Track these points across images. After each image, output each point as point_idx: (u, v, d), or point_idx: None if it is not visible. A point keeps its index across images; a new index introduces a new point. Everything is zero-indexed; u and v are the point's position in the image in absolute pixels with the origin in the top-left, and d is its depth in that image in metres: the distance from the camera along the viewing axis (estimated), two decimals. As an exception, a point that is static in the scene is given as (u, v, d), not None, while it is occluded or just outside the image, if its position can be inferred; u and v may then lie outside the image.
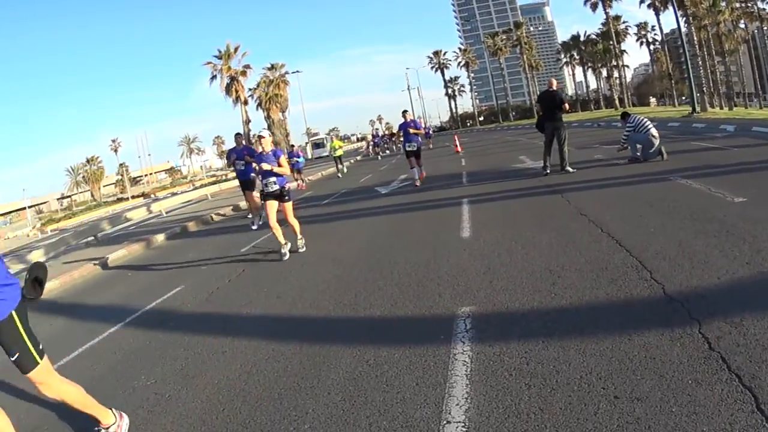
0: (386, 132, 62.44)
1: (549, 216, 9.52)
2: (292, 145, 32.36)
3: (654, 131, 14.56)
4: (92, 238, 22.14)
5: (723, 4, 75.52)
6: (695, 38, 64.98)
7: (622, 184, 11.92)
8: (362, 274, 7.30)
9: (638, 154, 14.83)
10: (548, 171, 14.81)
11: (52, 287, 12.64)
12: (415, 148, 18.10)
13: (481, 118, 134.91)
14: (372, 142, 53.54)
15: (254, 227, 14.78)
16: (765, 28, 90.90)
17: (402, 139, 19.95)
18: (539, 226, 8.71)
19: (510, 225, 9.28)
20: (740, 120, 28.80)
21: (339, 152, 34.39)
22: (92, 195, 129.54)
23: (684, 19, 57.10)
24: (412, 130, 18.09)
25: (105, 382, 5.63)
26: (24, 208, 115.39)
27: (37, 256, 19.01)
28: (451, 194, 14.12)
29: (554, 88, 15.08)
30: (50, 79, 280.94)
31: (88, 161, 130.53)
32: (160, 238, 16.64)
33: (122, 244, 16.52)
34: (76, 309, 10.21)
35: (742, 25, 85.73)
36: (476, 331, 4.79)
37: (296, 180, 28.17)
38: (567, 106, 15.15)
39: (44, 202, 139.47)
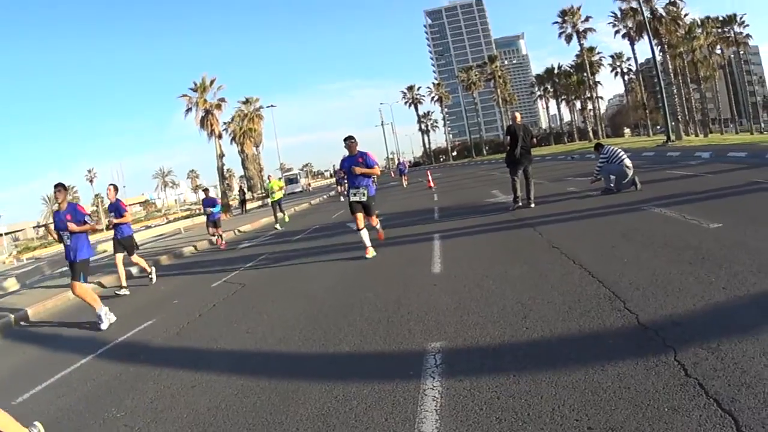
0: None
1: (521, 250, 9.49)
2: (206, 189, 24.67)
3: (627, 162, 14.70)
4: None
5: (699, 30, 76.71)
6: (670, 66, 66.04)
7: (596, 216, 12.00)
8: (332, 310, 7.21)
9: (612, 185, 14.95)
10: (521, 203, 14.75)
11: (24, 316, 12.73)
12: (363, 199, 11.73)
13: (455, 153, 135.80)
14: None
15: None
16: (741, 52, 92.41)
17: (346, 182, 15.28)
18: (511, 260, 8.67)
19: (481, 260, 9.22)
20: (716, 146, 29.34)
21: (277, 195, 26.17)
22: None
23: (659, 47, 57.80)
24: (359, 170, 11.56)
25: (75, 412, 5.57)
26: (0, 235, 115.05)
27: (12, 284, 18.95)
28: (422, 230, 14.11)
29: (519, 121, 15.07)
30: (28, 103, 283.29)
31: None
32: (133, 270, 16.45)
33: (95, 275, 16.32)
34: (49, 339, 10.17)
35: (719, 51, 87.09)
36: (446, 366, 4.69)
37: (212, 235, 21.85)
38: (535, 140, 15.39)
39: (20, 230, 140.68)
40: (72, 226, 9.69)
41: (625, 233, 9.25)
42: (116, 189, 14.09)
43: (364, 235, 11.64)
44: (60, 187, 9.78)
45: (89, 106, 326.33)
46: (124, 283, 13.53)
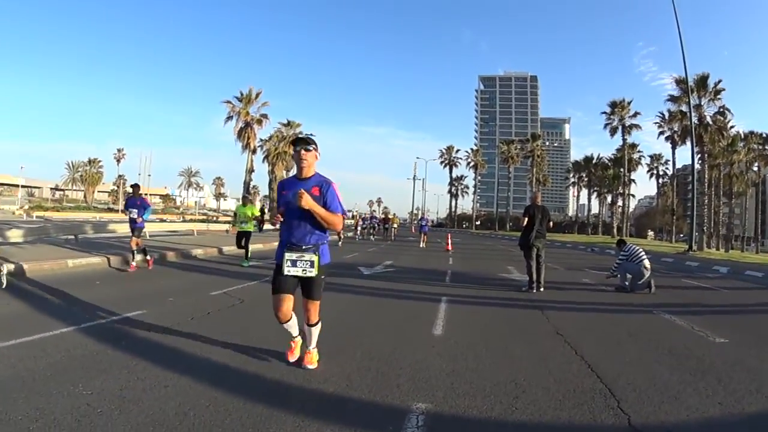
0: (382, 215, 58.81)
1: (525, 330, 9.34)
2: (135, 186, 16.40)
3: (647, 263, 14.69)
4: (72, 237, 22.43)
5: (741, 144, 76.58)
6: (706, 176, 65.82)
7: (605, 311, 11.89)
8: (324, 346, 6.96)
9: (626, 283, 14.84)
10: (541, 289, 14.30)
11: (19, 271, 12.97)
12: (310, 272, 6.18)
13: (478, 222, 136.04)
14: (362, 224, 50.64)
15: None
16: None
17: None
18: (513, 338, 8.53)
19: (484, 331, 9.06)
20: (734, 262, 29.36)
21: (248, 226, 19.46)
22: (85, 196, 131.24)
23: (699, 155, 57.72)
24: (309, 204, 5.90)
25: (41, 377, 5.53)
26: (17, 186, 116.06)
27: (16, 235, 19.12)
28: (431, 290, 13.83)
29: (538, 202, 14.87)
30: (76, 69, 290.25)
31: (89, 162, 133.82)
32: (137, 257, 16.51)
33: (99, 252, 16.42)
34: (38, 299, 10.32)
35: (755, 168, 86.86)
36: (427, 429, 4.57)
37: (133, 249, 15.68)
38: (551, 224, 15.15)
39: (38, 187, 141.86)
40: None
41: (632, 333, 9.17)
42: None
43: (293, 327, 6.57)
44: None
45: (133, 86, 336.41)
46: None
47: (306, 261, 6.08)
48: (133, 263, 15.21)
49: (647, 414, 5.05)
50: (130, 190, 16.07)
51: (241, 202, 21.52)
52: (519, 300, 12.81)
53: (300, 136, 6.61)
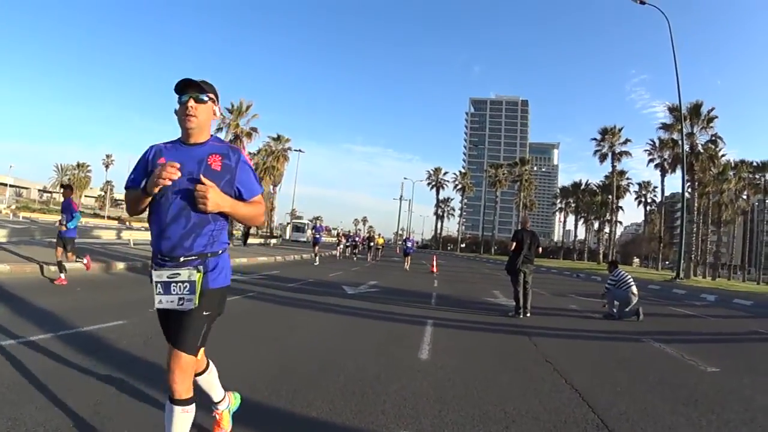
0: (366, 234, 58.68)
1: (513, 356, 9.16)
2: (67, 186, 14.69)
3: (634, 289, 14.74)
4: (54, 239, 22.31)
5: (731, 173, 76.91)
6: (696, 204, 66.10)
7: (593, 338, 11.86)
8: (307, 368, 6.87)
9: (614, 310, 14.78)
10: (527, 314, 14.01)
11: (3, 270, 13.21)
12: (187, 301, 3.54)
13: (463, 245, 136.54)
14: (344, 242, 50.17)
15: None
16: (766, 200, 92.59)
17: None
18: (501, 365, 8.35)
19: (471, 357, 8.87)
20: (722, 290, 29.66)
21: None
22: None
23: (689, 183, 57.87)
24: (205, 189, 3.36)
25: (16, 386, 5.32)
26: (5, 185, 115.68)
27: (1, 234, 19.07)
28: (417, 312, 13.69)
29: (527, 227, 14.70)
30: (68, 72, 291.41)
31: (78, 165, 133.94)
32: (120, 265, 16.60)
33: (82, 258, 16.23)
34: (15, 303, 10.20)
35: (745, 196, 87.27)
36: (412, 461, 4.33)
37: (63, 262, 13.85)
38: (540, 249, 14.91)
39: (26, 188, 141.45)
40: None
41: (621, 362, 9.15)
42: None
43: (211, 389, 4.44)
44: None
45: (128, 92, 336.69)
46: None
47: (182, 283, 3.54)
48: (62, 276, 13.70)
49: (641, 445, 4.80)
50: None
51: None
52: (506, 325, 12.65)
53: (190, 79, 3.62)
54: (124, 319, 9.22)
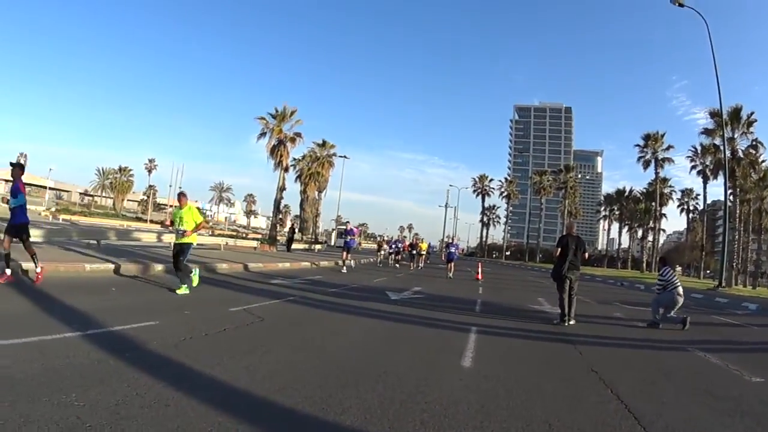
0: (411, 242, 52.76)
1: (557, 365, 8.95)
2: (18, 165, 11.95)
3: (680, 290, 14.54)
4: (95, 241, 22.48)
5: (772, 178, 75.61)
6: (738, 211, 65.21)
7: (639, 347, 11.69)
8: (344, 374, 6.72)
9: (658, 317, 14.52)
10: (571, 322, 13.73)
11: (35, 268, 12.57)
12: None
13: (508, 253, 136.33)
14: (387, 249, 46.18)
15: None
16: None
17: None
18: (545, 374, 8.09)
19: (515, 365, 8.67)
20: (764, 299, 29.23)
21: (189, 238, 14.00)
22: (114, 204, 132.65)
23: (731, 190, 56.96)
24: None
25: (35, 382, 5.25)
26: (45, 188, 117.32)
27: (36, 235, 19.22)
28: (461, 319, 13.41)
29: (573, 233, 14.28)
30: (112, 78, 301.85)
31: (120, 170, 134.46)
32: (158, 267, 16.59)
33: (120, 258, 16.24)
34: (46, 300, 10.13)
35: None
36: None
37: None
38: (587, 255, 14.53)
39: (67, 191, 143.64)
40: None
41: (667, 372, 8.95)
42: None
43: None
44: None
45: (167, 99, 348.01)
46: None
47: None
48: (37, 270, 12.28)
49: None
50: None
51: (177, 204, 14.83)
52: (550, 333, 12.41)
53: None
54: (156, 320, 9.13)
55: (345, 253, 31.94)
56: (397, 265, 42.80)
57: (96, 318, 8.77)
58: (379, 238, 64.82)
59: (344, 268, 30.13)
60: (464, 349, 9.38)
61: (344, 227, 47.35)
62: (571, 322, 13.62)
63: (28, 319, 8.23)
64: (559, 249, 14.00)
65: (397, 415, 5.41)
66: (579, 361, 9.41)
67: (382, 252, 46.20)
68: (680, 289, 14.47)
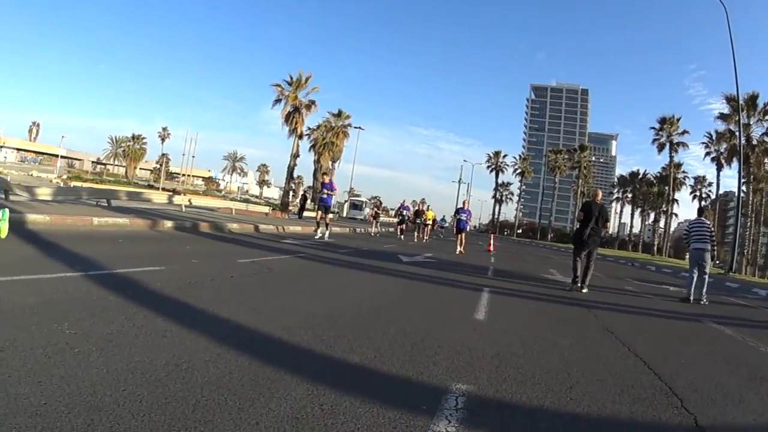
0: (417, 208, 40.99)
1: (573, 324, 8.83)
2: None
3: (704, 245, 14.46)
4: (105, 201, 22.56)
5: (787, 166, 75.29)
6: (751, 200, 64.99)
7: (653, 315, 11.60)
8: (355, 319, 6.55)
9: (690, 291, 14.35)
10: (579, 286, 13.61)
11: (41, 220, 13.18)
12: None
13: (519, 231, 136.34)
14: (400, 216, 38.32)
15: None
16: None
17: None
18: (561, 331, 7.88)
19: (529, 321, 8.55)
20: None
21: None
22: (126, 172, 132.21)
23: (744, 178, 56.59)
24: None
25: (26, 312, 5.10)
26: (57, 156, 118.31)
27: (44, 193, 19.23)
28: (473, 281, 13.32)
29: (598, 200, 14.19)
30: (134, 48, 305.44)
31: (133, 138, 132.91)
32: (167, 224, 16.82)
33: (129, 215, 16.14)
34: (51, 247, 10.10)
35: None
36: (468, 413, 3.84)
37: None
38: (609, 224, 14.31)
39: (79, 160, 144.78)
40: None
41: (683, 338, 8.98)
42: None
43: None
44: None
45: (183, 68, 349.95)
46: None
47: None
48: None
49: (714, 415, 4.59)
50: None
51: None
52: (564, 298, 12.27)
53: None
54: (162, 266, 9.03)
55: (319, 214, 24.30)
56: (402, 237, 35.76)
57: (100, 262, 8.68)
58: (372, 205, 57.22)
59: (318, 232, 23.46)
60: (477, 305, 9.22)
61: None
62: (584, 290, 13.44)
63: (28, 262, 8.16)
64: (583, 214, 13.86)
65: (409, 355, 5.22)
66: (594, 322, 9.27)
67: (378, 221, 40.87)
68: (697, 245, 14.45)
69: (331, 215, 25.77)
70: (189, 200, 31.27)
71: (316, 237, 22.91)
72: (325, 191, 24.01)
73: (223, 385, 3.80)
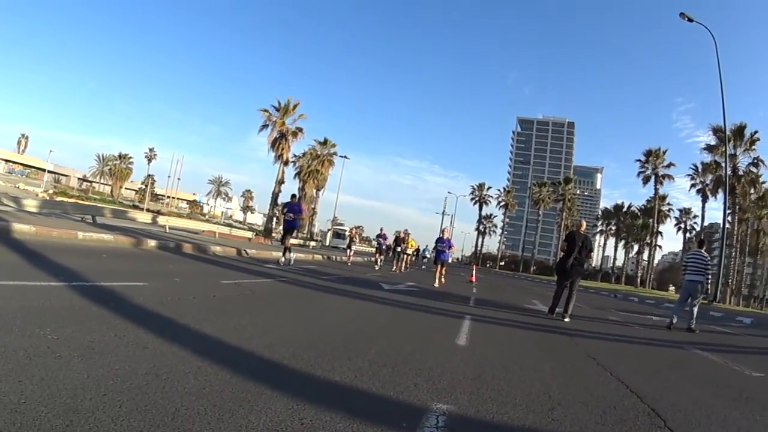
0: (397, 235, 38.52)
1: (555, 351, 8.90)
2: None
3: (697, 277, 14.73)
4: (90, 217, 22.72)
5: (771, 197, 75.92)
6: (735, 231, 65.59)
7: (637, 343, 11.77)
8: (335, 341, 6.54)
9: (674, 319, 14.78)
10: (562, 315, 13.59)
11: (27, 230, 13.42)
12: None
13: (502, 263, 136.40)
14: (378, 246, 35.92)
15: None
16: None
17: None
18: (542, 357, 7.96)
19: (510, 347, 8.61)
20: (758, 314, 29.97)
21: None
22: (111, 191, 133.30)
23: (729, 209, 57.10)
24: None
25: (9, 316, 5.19)
26: (44, 170, 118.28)
27: (30, 205, 19.38)
28: (455, 309, 13.35)
29: (582, 230, 14.20)
30: (115, 65, 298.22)
31: (120, 157, 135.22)
32: (151, 243, 17.00)
33: (113, 232, 16.17)
34: (35, 257, 10.23)
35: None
36: (448, 431, 3.86)
37: None
38: (592, 255, 14.46)
39: (66, 176, 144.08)
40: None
41: (667, 364, 9.10)
42: None
43: None
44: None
45: (171, 91, 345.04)
46: None
47: None
48: None
49: (698, 434, 4.62)
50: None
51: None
52: (545, 326, 12.27)
53: None
54: (146, 282, 9.11)
55: (287, 237, 21.94)
56: (376, 267, 32.86)
57: (83, 274, 8.77)
58: (348, 231, 54.08)
59: (283, 258, 20.95)
60: (459, 331, 9.20)
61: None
62: (567, 320, 13.44)
63: (13, 268, 8.29)
64: (567, 244, 13.93)
65: (389, 376, 5.20)
66: (576, 349, 9.30)
67: (352, 249, 37.66)
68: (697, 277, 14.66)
69: (293, 240, 24.73)
70: (166, 221, 31.67)
71: (281, 262, 20.94)
72: (291, 214, 21.66)
73: (203, 396, 3.80)
